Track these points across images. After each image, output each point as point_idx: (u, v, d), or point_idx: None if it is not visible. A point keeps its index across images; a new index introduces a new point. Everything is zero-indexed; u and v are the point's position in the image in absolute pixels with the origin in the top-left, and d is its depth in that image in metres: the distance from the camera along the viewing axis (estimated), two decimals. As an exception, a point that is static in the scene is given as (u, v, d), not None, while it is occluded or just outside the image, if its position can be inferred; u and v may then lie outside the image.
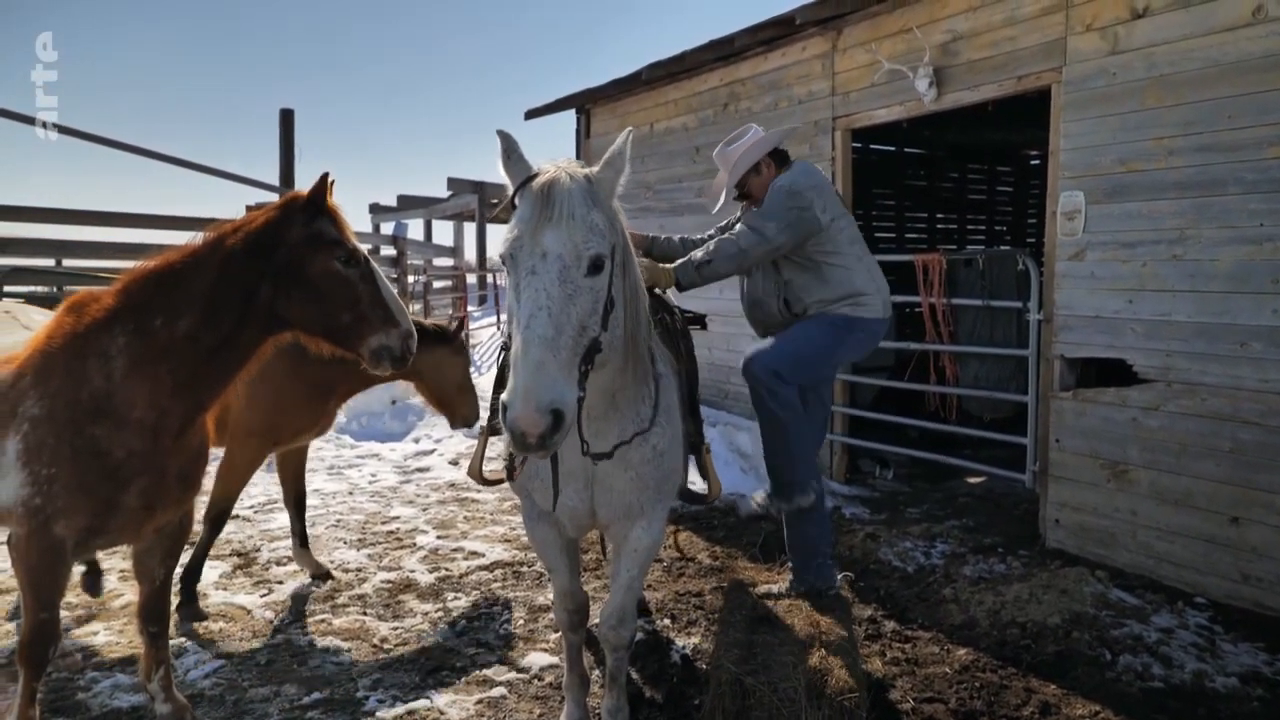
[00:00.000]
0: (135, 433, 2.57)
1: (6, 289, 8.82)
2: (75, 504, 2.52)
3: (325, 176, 2.71)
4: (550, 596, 3.11)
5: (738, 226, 3.64)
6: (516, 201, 2.19)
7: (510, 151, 2.27)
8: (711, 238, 3.98)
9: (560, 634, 3.15)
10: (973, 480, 6.44)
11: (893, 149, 10.82)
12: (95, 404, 2.53)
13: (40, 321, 2.96)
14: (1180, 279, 4.21)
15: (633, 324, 2.42)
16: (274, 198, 11.00)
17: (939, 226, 11.71)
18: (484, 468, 3.27)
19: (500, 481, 3.19)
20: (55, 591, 2.67)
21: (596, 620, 3.08)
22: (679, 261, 3.52)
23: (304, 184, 2.98)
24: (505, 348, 2.38)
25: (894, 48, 5.69)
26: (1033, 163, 12.18)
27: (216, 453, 3.49)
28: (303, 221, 2.68)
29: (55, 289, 10.25)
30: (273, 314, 2.71)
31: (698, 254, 3.50)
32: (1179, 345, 4.23)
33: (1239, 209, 4.00)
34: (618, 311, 2.27)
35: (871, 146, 10.30)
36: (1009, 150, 11.69)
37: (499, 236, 2.22)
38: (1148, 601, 4.09)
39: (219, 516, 4.19)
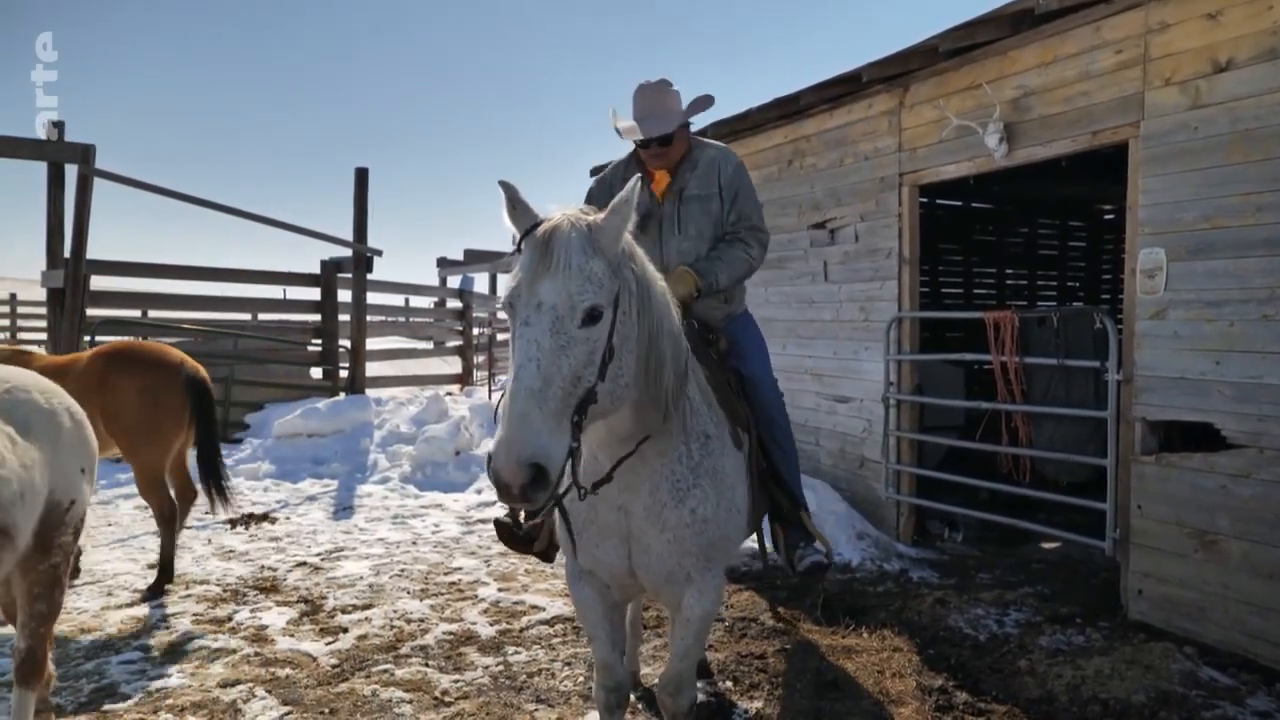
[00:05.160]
0: None
1: (98, 339, 9.23)
2: None
3: None
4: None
5: (748, 242, 3.30)
6: (521, 249, 2.17)
7: (514, 202, 2.22)
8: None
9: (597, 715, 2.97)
10: (1047, 546, 6.20)
11: (960, 204, 10.70)
12: None
13: None
14: (1272, 340, 4.03)
15: (650, 373, 2.33)
16: (348, 252, 11.39)
17: (1008, 282, 11.50)
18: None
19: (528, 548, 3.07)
20: None
21: (655, 681, 3.02)
22: (701, 271, 3.17)
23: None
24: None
25: (962, 104, 5.66)
26: (1106, 217, 11.93)
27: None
28: None
29: (142, 339, 10.72)
30: None
31: (712, 264, 3.21)
32: (1271, 409, 4.03)
33: (1333, 268, 3.84)
34: (621, 361, 2.18)
35: (938, 201, 10.21)
36: (1081, 204, 11.47)
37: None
38: (1242, 682, 3.85)
39: None
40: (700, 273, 3.15)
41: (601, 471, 2.44)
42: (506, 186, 2.24)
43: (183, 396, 5.12)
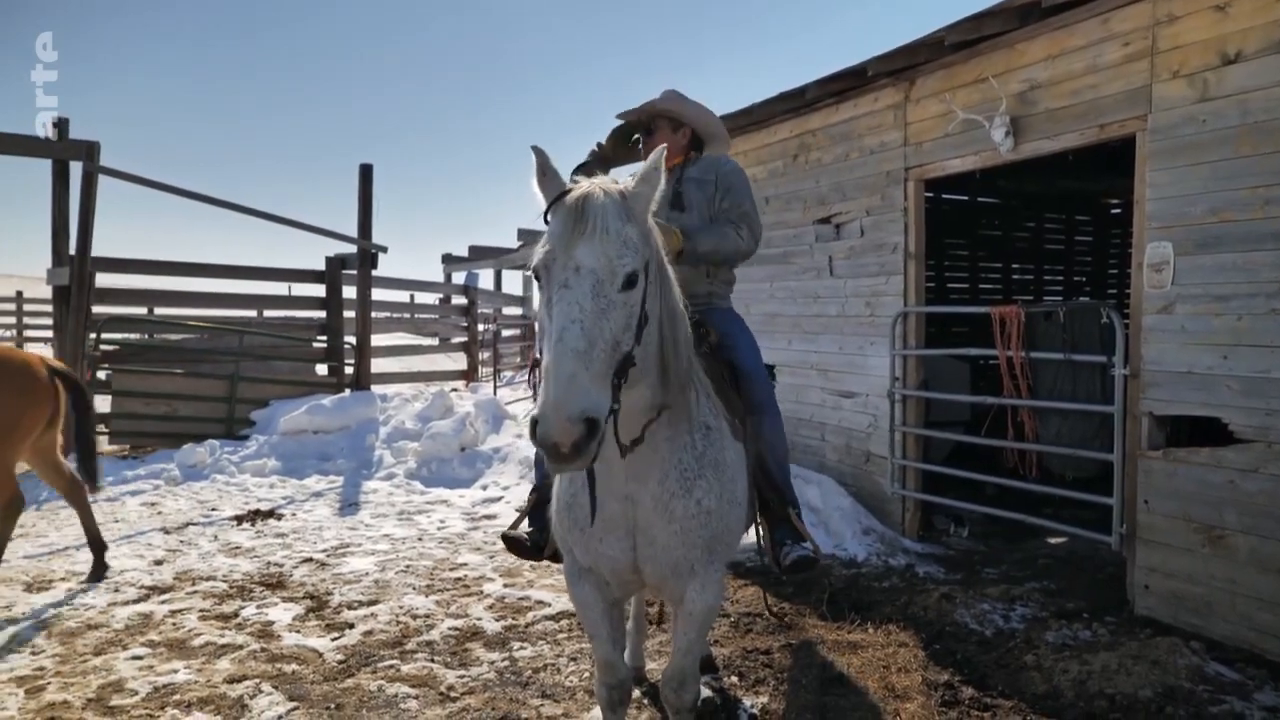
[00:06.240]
0: None
1: (104, 336, 9.25)
2: None
3: None
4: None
5: (738, 224, 3.32)
6: (549, 217, 2.17)
7: (544, 168, 2.23)
8: None
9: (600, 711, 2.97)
10: (1054, 541, 6.18)
11: (965, 198, 10.67)
12: None
13: None
14: None
15: (669, 348, 2.34)
16: (353, 249, 11.39)
17: (1014, 277, 11.46)
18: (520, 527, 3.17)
19: (527, 551, 3.12)
20: None
21: (658, 679, 3.01)
22: (687, 234, 3.17)
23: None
24: (536, 364, 2.34)
25: (969, 97, 5.64)
26: (1113, 211, 11.87)
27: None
28: None
29: (147, 336, 10.74)
30: None
31: (702, 235, 3.21)
32: (1280, 404, 4.01)
33: (1342, 261, 3.81)
34: (651, 327, 2.22)
35: (943, 196, 10.18)
36: (1088, 199, 11.42)
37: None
38: (1249, 677, 3.83)
39: None
40: (685, 234, 3.13)
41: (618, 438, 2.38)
42: (538, 152, 2.25)
43: (55, 397, 5.19)
